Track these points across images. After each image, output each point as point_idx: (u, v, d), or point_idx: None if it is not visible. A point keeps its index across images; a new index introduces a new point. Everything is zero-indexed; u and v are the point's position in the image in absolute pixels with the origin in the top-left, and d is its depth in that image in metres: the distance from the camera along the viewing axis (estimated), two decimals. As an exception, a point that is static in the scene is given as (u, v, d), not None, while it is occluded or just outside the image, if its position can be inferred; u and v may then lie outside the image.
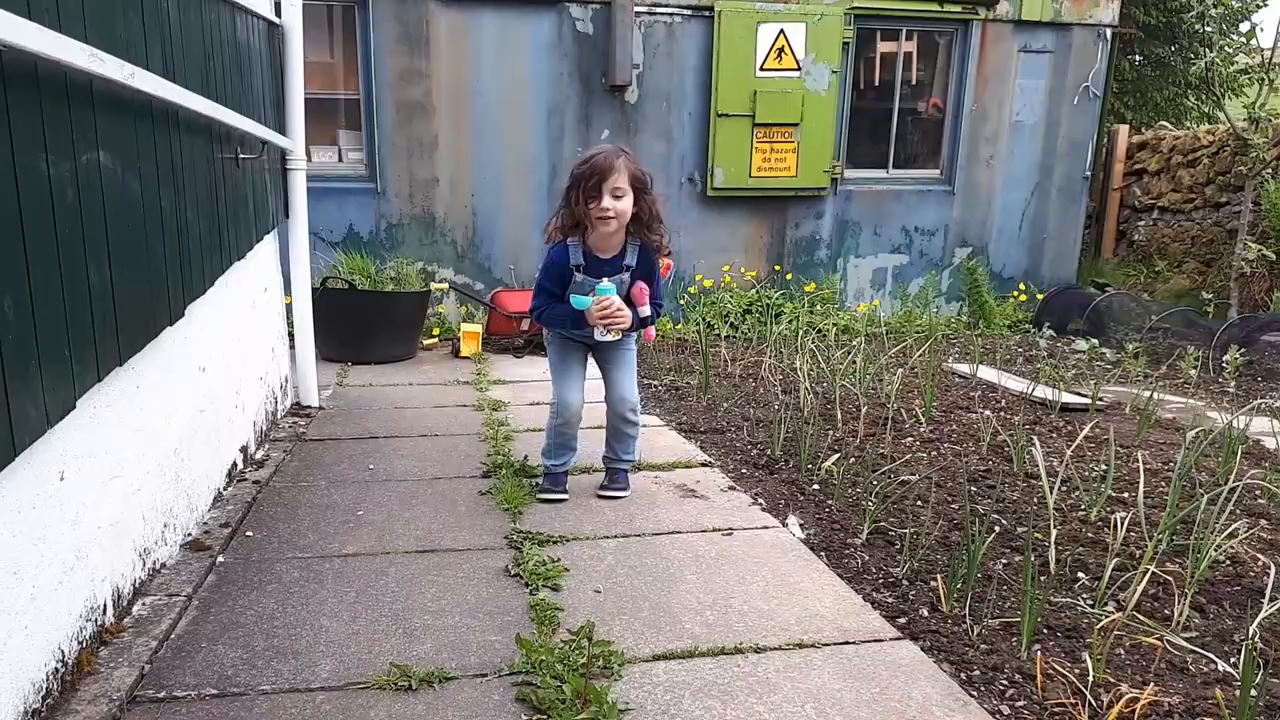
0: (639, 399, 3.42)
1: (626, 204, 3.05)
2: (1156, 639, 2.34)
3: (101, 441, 2.22)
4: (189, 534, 2.86)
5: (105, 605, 2.21)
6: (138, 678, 2.05)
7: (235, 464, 3.47)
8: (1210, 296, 7.66)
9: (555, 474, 3.37)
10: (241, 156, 3.49)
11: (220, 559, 2.74)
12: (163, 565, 2.62)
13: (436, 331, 6.93)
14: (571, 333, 3.26)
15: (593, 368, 3.40)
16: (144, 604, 2.39)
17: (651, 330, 3.34)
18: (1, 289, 1.62)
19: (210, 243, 3.06)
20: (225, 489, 3.30)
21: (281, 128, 4.26)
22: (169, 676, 2.07)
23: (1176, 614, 2.52)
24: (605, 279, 3.11)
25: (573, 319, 3.16)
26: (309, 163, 4.62)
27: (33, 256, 1.74)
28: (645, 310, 3.20)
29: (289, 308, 4.66)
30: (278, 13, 4.21)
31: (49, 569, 1.92)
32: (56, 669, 1.93)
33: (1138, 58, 11.57)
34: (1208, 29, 7.72)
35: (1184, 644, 2.34)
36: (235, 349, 3.55)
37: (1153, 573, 2.72)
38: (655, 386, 5.36)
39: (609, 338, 3.15)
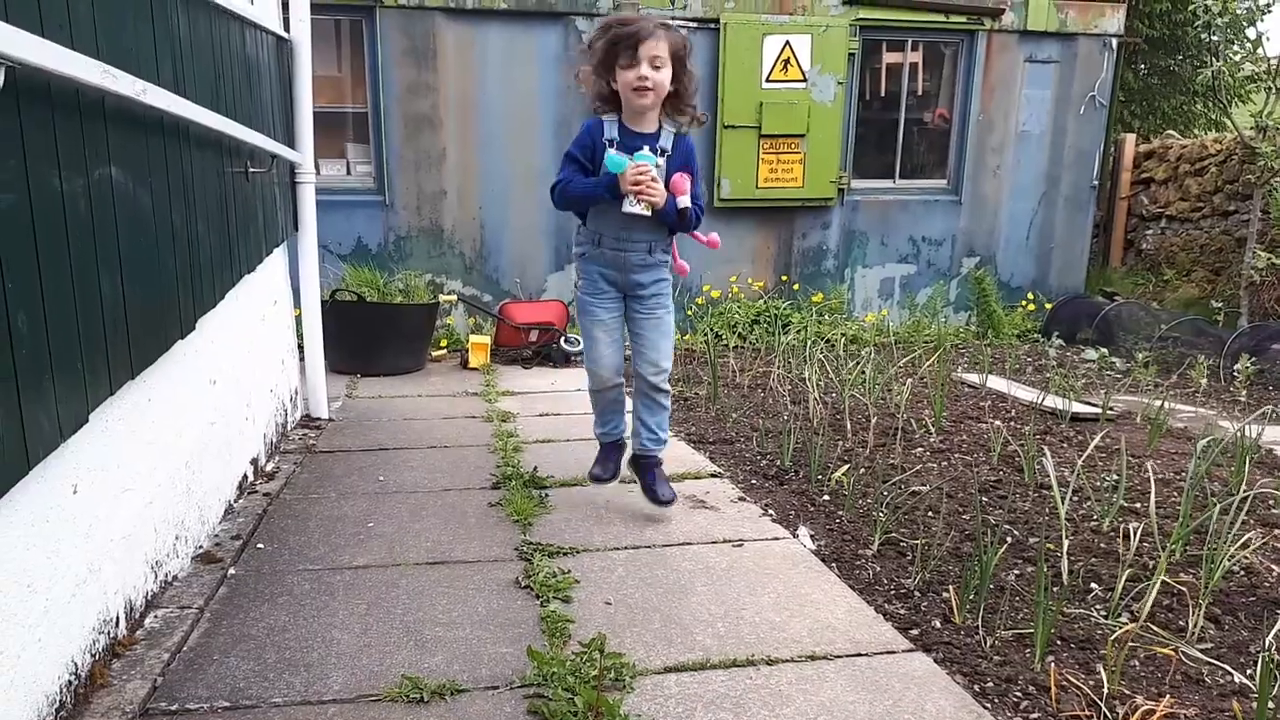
0: (670, 358, 3.16)
1: (665, 76, 2.81)
2: (1171, 650, 2.33)
3: (114, 454, 2.23)
4: (200, 546, 2.86)
5: (118, 617, 2.21)
6: (150, 690, 2.05)
7: (246, 476, 3.48)
8: (1220, 305, 7.64)
9: (604, 445, 3.32)
10: (251, 170, 3.51)
11: (231, 571, 2.74)
12: (174, 577, 2.62)
13: (445, 343, 6.94)
14: (604, 251, 3.04)
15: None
16: (156, 616, 2.40)
17: (704, 238, 3.12)
18: (15, 303, 1.63)
19: (221, 256, 3.07)
20: (236, 501, 3.30)
21: (290, 141, 4.29)
22: (181, 689, 2.07)
23: (1191, 625, 2.50)
24: (646, 148, 2.89)
25: (608, 186, 2.89)
26: (318, 176, 4.64)
27: (46, 270, 1.76)
28: (684, 200, 2.92)
29: (298, 320, 4.67)
30: (286, 28, 4.24)
31: (62, 582, 1.93)
32: (69, 681, 1.93)
33: (1143, 68, 11.58)
34: (1214, 38, 7.70)
35: (1199, 655, 2.32)
36: (245, 361, 3.56)
37: (1166, 583, 2.71)
38: (663, 397, 5.35)
39: (638, 209, 2.89)
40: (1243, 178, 8.18)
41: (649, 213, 2.91)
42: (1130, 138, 9.70)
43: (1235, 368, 6.05)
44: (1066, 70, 7.98)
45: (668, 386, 3.20)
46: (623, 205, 2.90)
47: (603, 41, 2.84)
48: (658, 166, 2.90)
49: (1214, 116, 11.75)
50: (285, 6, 4.25)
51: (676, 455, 4.08)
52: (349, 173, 7.06)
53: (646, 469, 3.26)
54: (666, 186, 2.91)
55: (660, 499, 3.22)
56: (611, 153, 2.88)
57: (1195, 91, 11.52)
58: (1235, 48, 9.05)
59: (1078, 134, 8.13)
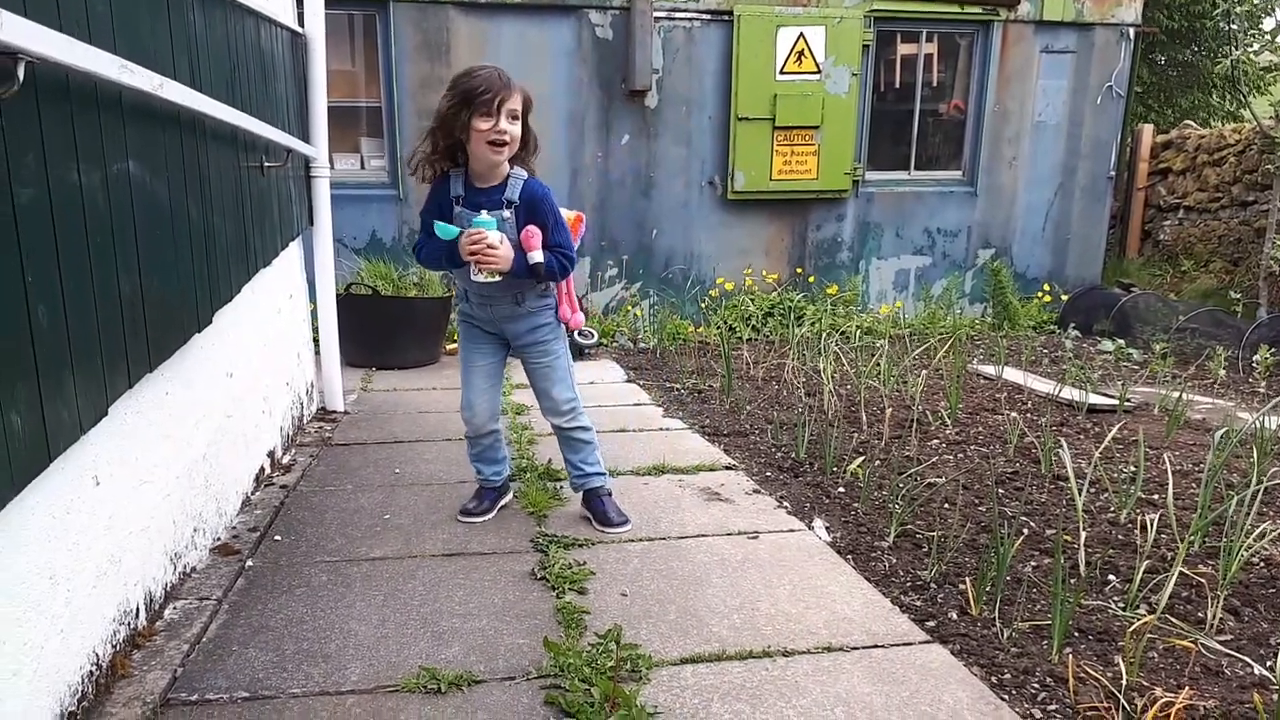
0: (571, 399, 3.01)
1: (518, 130, 2.69)
2: (1190, 642, 2.31)
3: (133, 447, 2.25)
4: (218, 538, 2.88)
5: (138, 609, 2.23)
6: (170, 680, 2.07)
7: (263, 469, 3.50)
8: (1238, 296, 7.58)
9: (481, 488, 3.18)
10: (266, 165, 3.52)
11: (249, 563, 2.76)
12: (193, 569, 2.64)
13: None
14: (471, 308, 2.94)
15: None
16: (175, 607, 2.41)
17: (572, 317, 2.95)
18: (35, 297, 1.65)
19: (237, 250, 3.08)
20: (253, 493, 3.32)
21: (305, 136, 4.30)
22: (201, 679, 2.09)
23: (1210, 617, 2.49)
24: (484, 212, 2.71)
25: (447, 255, 2.75)
26: (332, 170, 4.65)
27: (65, 265, 1.77)
28: (536, 256, 2.72)
29: (314, 314, 4.69)
30: (301, 22, 4.24)
31: (83, 573, 1.94)
32: (91, 672, 1.95)
33: (1161, 59, 11.49)
34: (1232, 26, 7.63)
35: (1218, 647, 2.31)
36: (262, 355, 3.58)
37: (1185, 575, 2.70)
38: (678, 390, 5.36)
39: (481, 278, 2.73)
40: (1262, 167, 8.11)
41: (497, 279, 2.75)
42: (1148, 128, 9.63)
43: (1254, 358, 6.00)
44: (1083, 60, 7.92)
45: (577, 424, 3.04)
46: (470, 273, 2.75)
47: (458, 96, 2.68)
48: (505, 220, 2.74)
49: (1231, 108, 11.65)
50: (299, 1, 4.26)
51: (691, 447, 4.08)
52: (363, 167, 7.08)
53: (592, 500, 3.12)
54: (519, 240, 2.75)
55: (608, 524, 3.05)
56: (440, 224, 2.74)
57: (1213, 83, 11.42)
58: (1254, 34, 8.95)
59: (1095, 124, 8.07)
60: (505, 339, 3.02)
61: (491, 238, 2.68)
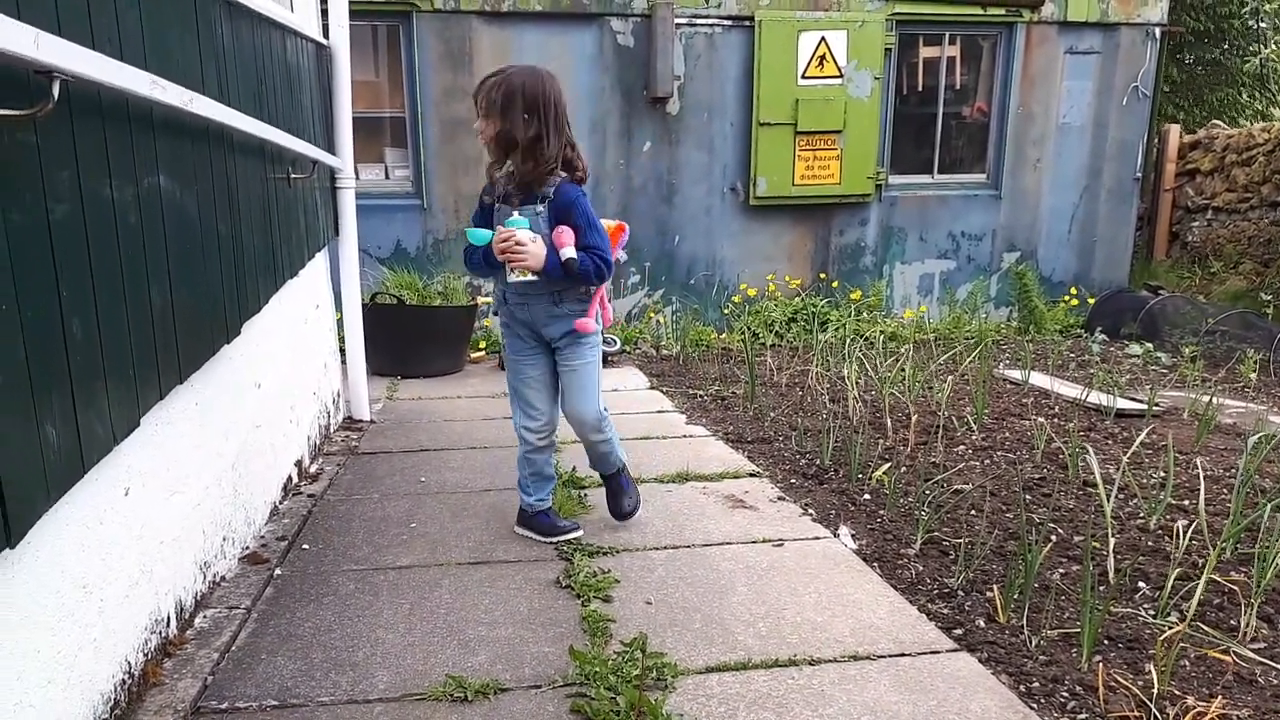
0: (599, 413, 2.99)
1: (488, 125, 2.73)
2: (1223, 651, 2.28)
3: (163, 458, 2.28)
4: (247, 547, 2.91)
5: (169, 618, 2.26)
6: (201, 689, 2.09)
7: (290, 478, 3.53)
8: (1269, 297, 7.48)
9: (532, 512, 3.05)
10: (293, 176, 3.56)
11: (278, 572, 2.79)
12: (222, 578, 2.67)
13: (483, 344, 6.99)
14: (511, 308, 2.90)
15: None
16: (205, 616, 2.44)
17: (591, 318, 2.88)
18: (69, 310, 1.68)
19: (265, 261, 3.12)
20: (281, 503, 3.35)
21: (330, 147, 4.34)
22: (231, 688, 2.11)
23: (1243, 624, 2.45)
24: (517, 213, 2.73)
25: (484, 257, 2.79)
26: (357, 181, 4.69)
27: (98, 279, 1.80)
28: (568, 252, 2.71)
29: (339, 323, 4.73)
30: (325, 34, 4.29)
31: (116, 583, 1.97)
32: (124, 680, 1.97)
33: (1188, 58, 11.37)
34: (1261, 24, 7.54)
35: (1252, 656, 2.28)
36: (289, 365, 3.61)
37: (1217, 582, 2.66)
38: (701, 397, 5.35)
39: (515, 278, 2.73)
40: (1292, 167, 8.00)
41: (533, 278, 2.73)
42: (1175, 128, 9.52)
43: (1286, 362, 5.92)
44: (1108, 61, 7.85)
45: (599, 435, 3.04)
46: (507, 275, 2.76)
47: None
48: (539, 215, 2.75)
49: (1260, 108, 11.51)
50: (324, 14, 4.30)
51: (715, 454, 4.07)
52: (387, 177, 7.14)
53: (609, 479, 3.17)
54: (551, 239, 2.74)
55: (621, 512, 3.15)
56: (470, 230, 2.83)
57: (1242, 81, 11.28)
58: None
59: (1120, 125, 8.00)
60: (547, 343, 2.96)
61: (521, 236, 2.68)
